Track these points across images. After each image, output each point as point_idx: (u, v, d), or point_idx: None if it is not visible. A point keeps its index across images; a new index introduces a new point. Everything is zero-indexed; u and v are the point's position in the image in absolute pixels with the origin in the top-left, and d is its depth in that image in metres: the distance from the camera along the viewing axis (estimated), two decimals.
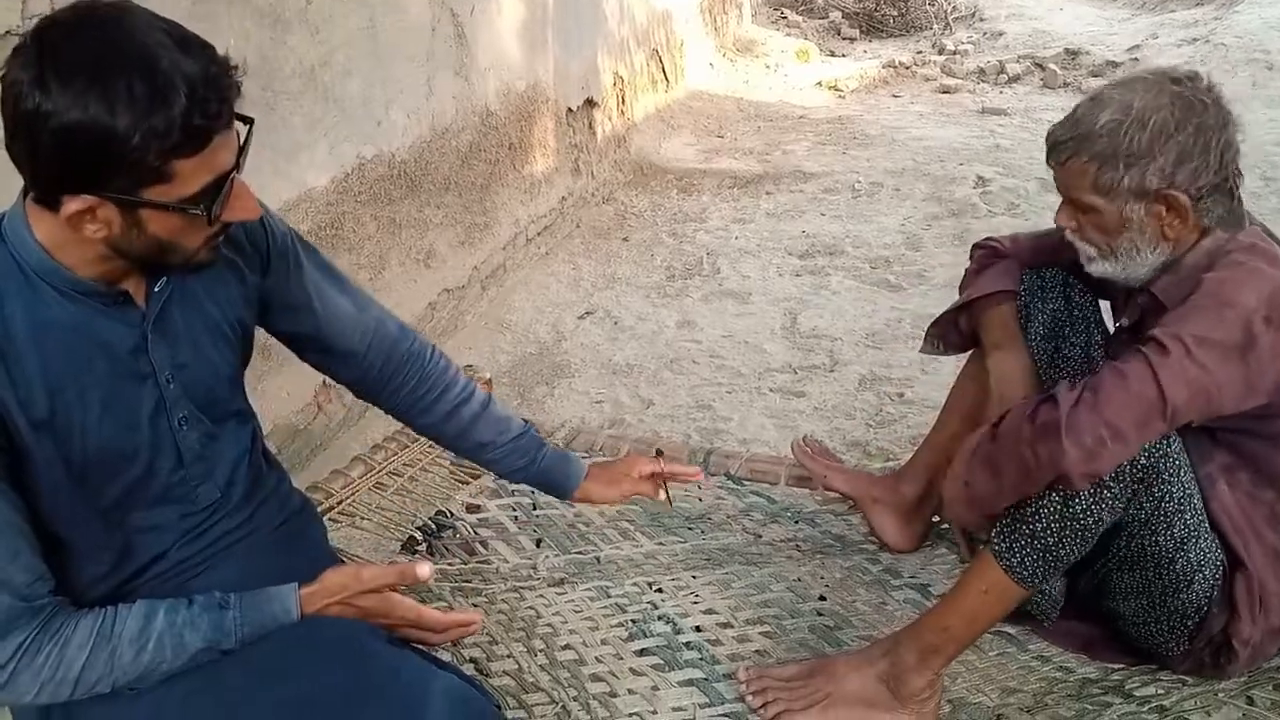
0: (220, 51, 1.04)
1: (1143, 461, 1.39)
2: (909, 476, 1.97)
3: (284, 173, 2.68)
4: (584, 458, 1.70)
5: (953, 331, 1.89)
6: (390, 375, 1.48)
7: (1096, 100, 1.48)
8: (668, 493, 1.64)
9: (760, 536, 2.04)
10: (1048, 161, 1.55)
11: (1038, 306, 1.76)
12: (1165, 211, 1.46)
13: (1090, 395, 1.37)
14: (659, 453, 1.67)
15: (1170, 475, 1.41)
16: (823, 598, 1.85)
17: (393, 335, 1.48)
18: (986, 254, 1.85)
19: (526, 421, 1.61)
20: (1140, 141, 1.42)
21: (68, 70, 0.96)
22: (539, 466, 1.59)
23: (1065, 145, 1.50)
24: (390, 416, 1.57)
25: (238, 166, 1.08)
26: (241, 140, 1.08)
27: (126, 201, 1.02)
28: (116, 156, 0.98)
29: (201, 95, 0.99)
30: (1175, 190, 1.43)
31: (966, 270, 1.89)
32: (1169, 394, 1.35)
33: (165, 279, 1.18)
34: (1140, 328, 1.51)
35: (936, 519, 2.04)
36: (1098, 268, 1.56)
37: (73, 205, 1.01)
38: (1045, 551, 1.44)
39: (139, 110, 0.97)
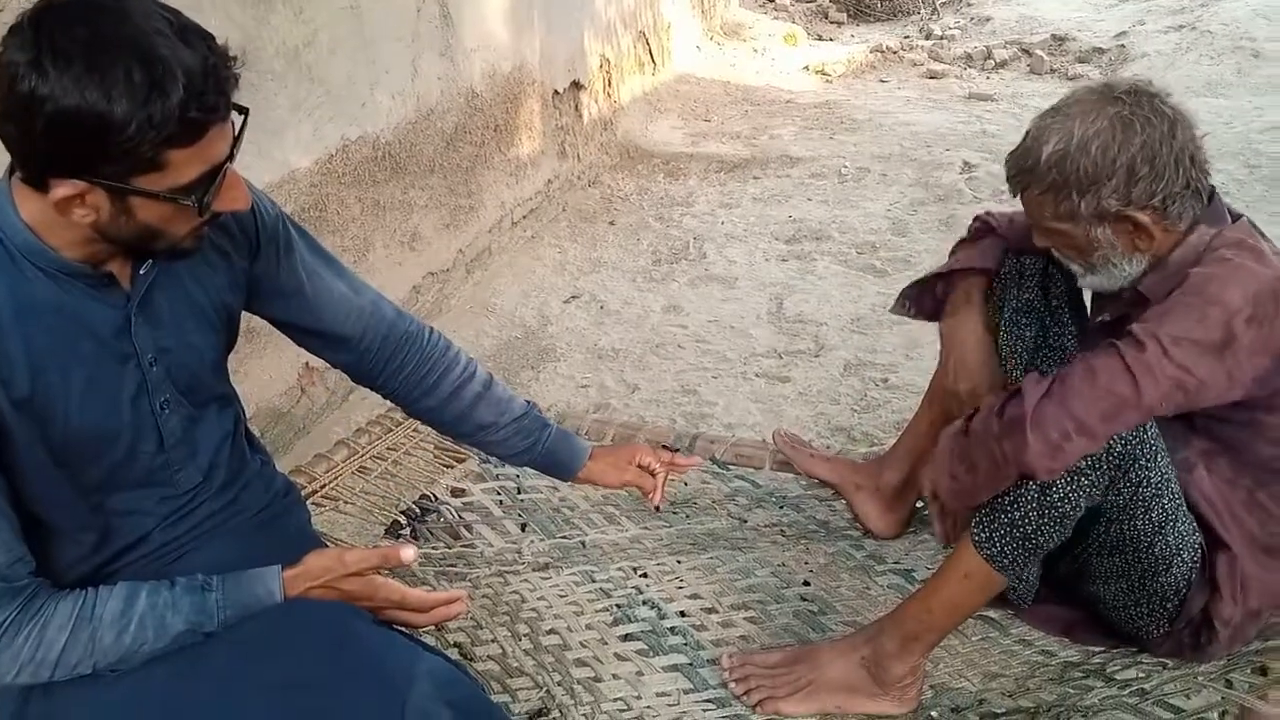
0: (219, 40, 1.03)
1: (1119, 448, 1.39)
2: (891, 463, 1.97)
3: (267, 154, 2.65)
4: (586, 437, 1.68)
5: (928, 297, 1.89)
6: (388, 358, 1.46)
7: (1041, 130, 1.49)
8: (661, 495, 1.62)
9: (745, 521, 2.04)
10: (1009, 191, 1.56)
11: (1012, 293, 1.77)
12: (1132, 228, 1.46)
13: (1059, 388, 1.38)
14: (669, 449, 1.65)
15: (1148, 461, 1.41)
16: (807, 583, 1.85)
17: (389, 317, 1.46)
18: (980, 228, 1.85)
19: (529, 402, 1.59)
20: (1087, 168, 1.42)
21: (65, 54, 0.95)
22: (542, 448, 1.56)
23: (1018, 179, 1.52)
24: (388, 400, 1.55)
25: (230, 157, 1.07)
26: (236, 130, 1.07)
27: (117, 189, 1.01)
28: (111, 144, 0.97)
29: (199, 87, 0.99)
30: (1134, 209, 1.44)
31: (960, 239, 1.89)
32: (1144, 391, 1.36)
33: (151, 261, 1.17)
34: (1124, 322, 1.52)
35: (920, 504, 2.04)
36: (1088, 282, 1.58)
37: (62, 190, 1.00)
38: (1024, 539, 1.44)
39: (136, 99, 0.95)
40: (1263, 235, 1.51)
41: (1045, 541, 1.45)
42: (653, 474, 1.62)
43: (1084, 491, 1.42)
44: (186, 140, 1.00)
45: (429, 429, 2.16)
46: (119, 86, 0.95)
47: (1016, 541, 1.45)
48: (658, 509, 1.63)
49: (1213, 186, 1.51)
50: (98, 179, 1.00)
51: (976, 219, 1.88)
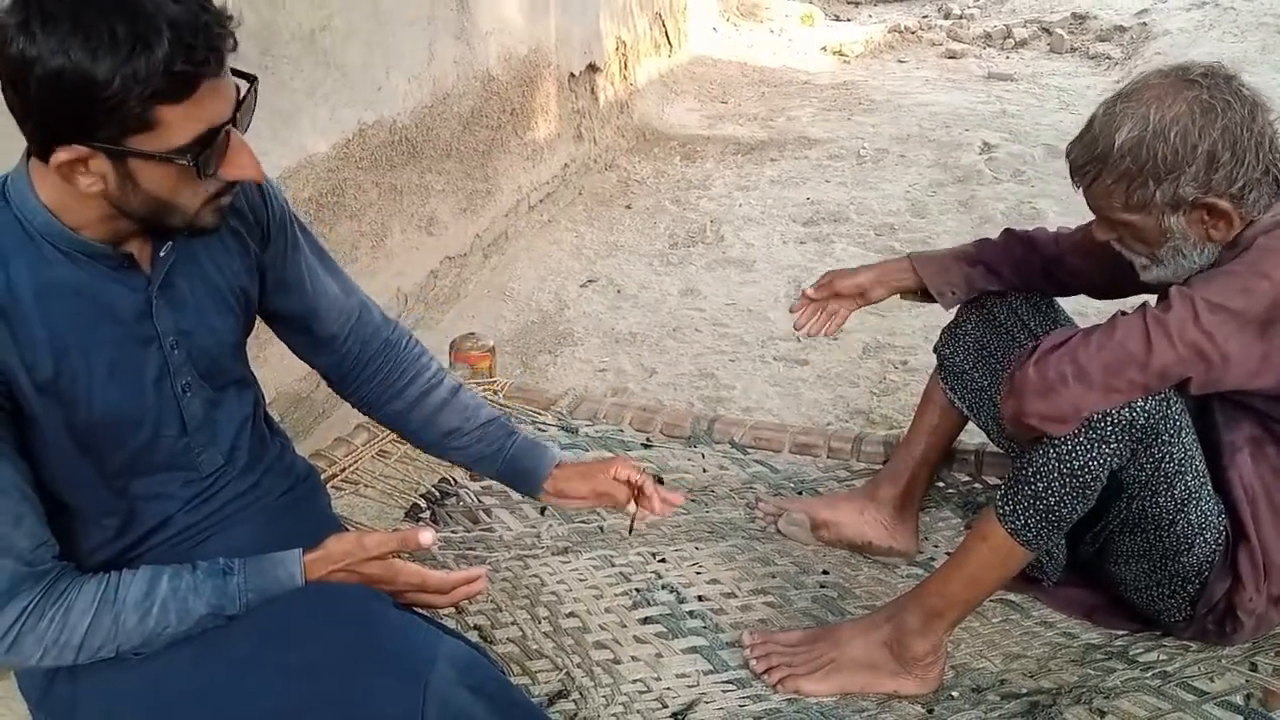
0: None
1: (1142, 421, 1.38)
2: (885, 480, 1.92)
3: (284, 139, 2.65)
4: (562, 447, 1.62)
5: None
6: (365, 363, 1.46)
7: (1110, 115, 1.40)
8: (633, 519, 1.47)
9: None
10: (1072, 181, 1.49)
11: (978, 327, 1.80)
12: (1207, 216, 1.40)
13: (1077, 336, 1.38)
14: (659, 480, 1.50)
15: (1170, 436, 1.40)
16: (825, 571, 1.85)
17: (374, 322, 1.46)
18: (1022, 243, 1.81)
19: (499, 413, 1.53)
20: (1165, 156, 1.35)
21: (52, 15, 0.94)
22: (507, 455, 1.50)
23: (1087, 169, 1.43)
24: (357, 409, 1.52)
25: (235, 122, 1.05)
26: (242, 96, 1.06)
27: (114, 151, 1.00)
28: (99, 103, 0.96)
29: (187, 40, 0.97)
30: (1213, 197, 1.37)
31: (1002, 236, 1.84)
32: (1155, 351, 1.34)
33: (170, 244, 1.17)
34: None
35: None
36: (1151, 275, 1.50)
37: (62, 155, 0.99)
38: (1047, 511, 1.44)
39: (120, 54, 0.95)
40: None
41: (1068, 513, 1.44)
42: (631, 486, 1.47)
43: (1104, 461, 1.40)
44: (175, 96, 0.99)
45: None
46: (103, 43, 0.94)
47: (1040, 514, 1.44)
48: (631, 529, 1.52)
49: None
50: (95, 142, 0.99)
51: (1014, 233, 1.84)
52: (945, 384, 1.85)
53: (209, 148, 1.03)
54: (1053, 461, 1.41)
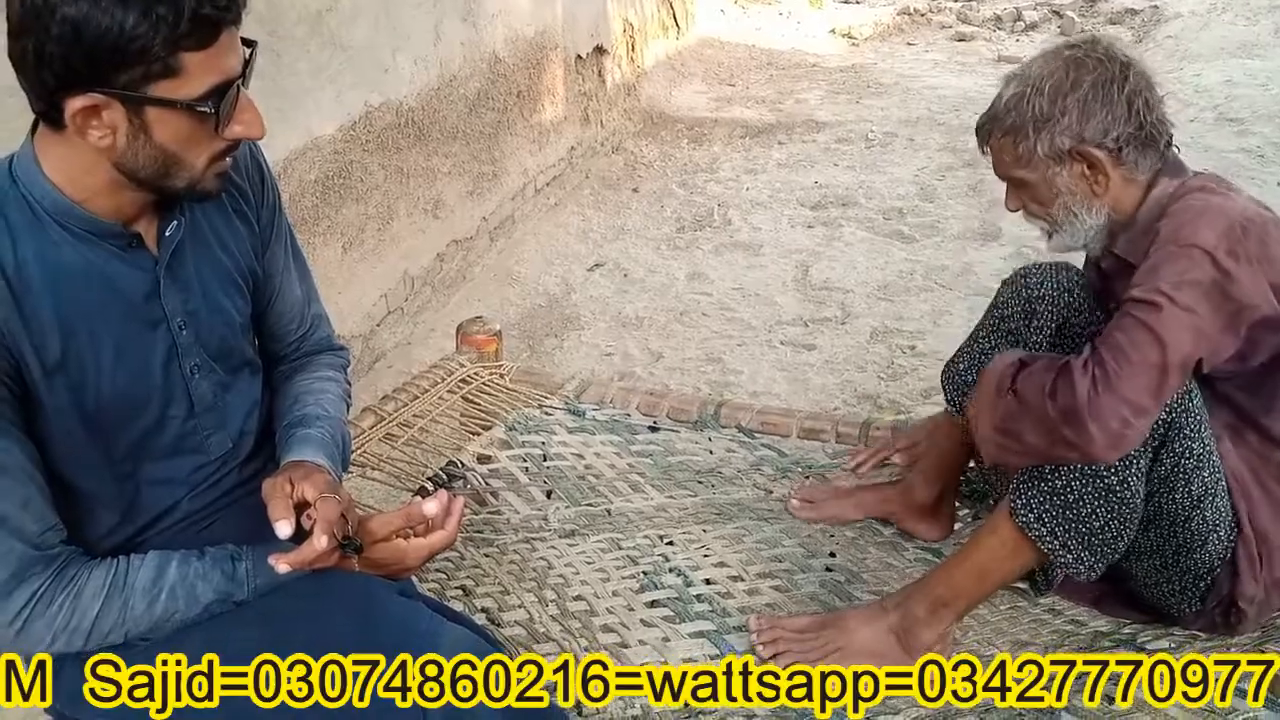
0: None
1: (1164, 417, 1.37)
2: (920, 482, 1.89)
3: (291, 120, 2.64)
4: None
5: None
6: (281, 362, 1.45)
7: (1004, 81, 1.56)
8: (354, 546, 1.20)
9: (771, 492, 2.03)
10: (980, 150, 1.62)
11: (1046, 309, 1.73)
12: (1087, 169, 1.49)
13: (1101, 373, 1.34)
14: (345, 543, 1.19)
15: (1191, 431, 1.39)
16: (833, 554, 1.85)
17: (315, 337, 1.46)
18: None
19: (332, 420, 1.37)
20: (1041, 106, 1.47)
21: None
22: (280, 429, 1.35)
23: (983, 129, 1.58)
24: None
25: (243, 78, 1.05)
26: (245, 58, 1.06)
27: (134, 99, 0.99)
28: (124, 45, 0.96)
29: None
30: (1088, 146, 1.46)
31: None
32: (1171, 349, 1.33)
33: (177, 223, 1.16)
34: (1111, 293, 1.52)
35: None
36: (1055, 243, 1.59)
37: (79, 102, 0.98)
38: (1065, 508, 1.41)
39: None
40: (1230, 185, 1.50)
41: (1088, 515, 1.41)
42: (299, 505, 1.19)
43: (1128, 461, 1.38)
44: (199, 42, 0.99)
45: (455, 396, 2.17)
46: None
47: (1056, 510, 1.42)
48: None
49: (1170, 136, 1.52)
50: (115, 89, 0.99)
51: None
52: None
53: (224, 99, 1.03)
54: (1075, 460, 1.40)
